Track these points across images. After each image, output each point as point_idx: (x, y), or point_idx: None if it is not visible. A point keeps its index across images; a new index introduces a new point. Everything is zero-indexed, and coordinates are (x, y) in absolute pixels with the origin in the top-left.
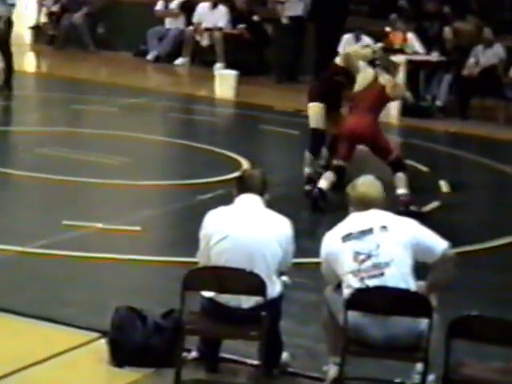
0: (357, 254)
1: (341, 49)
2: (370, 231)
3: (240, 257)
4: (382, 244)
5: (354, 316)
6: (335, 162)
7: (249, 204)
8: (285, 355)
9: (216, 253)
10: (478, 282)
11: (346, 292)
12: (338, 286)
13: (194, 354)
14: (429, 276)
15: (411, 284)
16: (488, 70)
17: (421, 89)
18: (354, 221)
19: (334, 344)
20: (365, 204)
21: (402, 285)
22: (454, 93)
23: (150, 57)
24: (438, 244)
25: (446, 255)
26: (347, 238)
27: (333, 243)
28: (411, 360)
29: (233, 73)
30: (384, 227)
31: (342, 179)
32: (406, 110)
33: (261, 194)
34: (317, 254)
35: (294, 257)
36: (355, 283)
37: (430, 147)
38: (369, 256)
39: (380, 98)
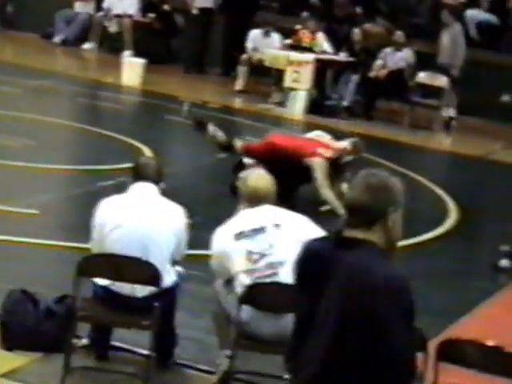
0: (250, 253)
1: (248, 43)
2: (262, 230)
3: (134, 245)
4: (275, 243)
5: (245, 311)
6: None
7: (143, 192)
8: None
9: (110, 241)
10: None
11: (239, 289)
12: (228, 280)
13: (84, 340)
14: None
15: None
16: (395, 74)
17: (327, 88)
18: (246, 218)
19: (225, 337)
20: (257, 199)
21: None
22: (361, 94)
23: (56, 39)
24: None
25: None
26: (239, 236)
27: (225, 242)
28: None
29: (140, 61)
30: (277, 225)
31: None
32: (312, 108)
33: (156, 182)
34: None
35: (190, 248)
36: (248, 282)
37: None
38: (262, 255)
39: None
